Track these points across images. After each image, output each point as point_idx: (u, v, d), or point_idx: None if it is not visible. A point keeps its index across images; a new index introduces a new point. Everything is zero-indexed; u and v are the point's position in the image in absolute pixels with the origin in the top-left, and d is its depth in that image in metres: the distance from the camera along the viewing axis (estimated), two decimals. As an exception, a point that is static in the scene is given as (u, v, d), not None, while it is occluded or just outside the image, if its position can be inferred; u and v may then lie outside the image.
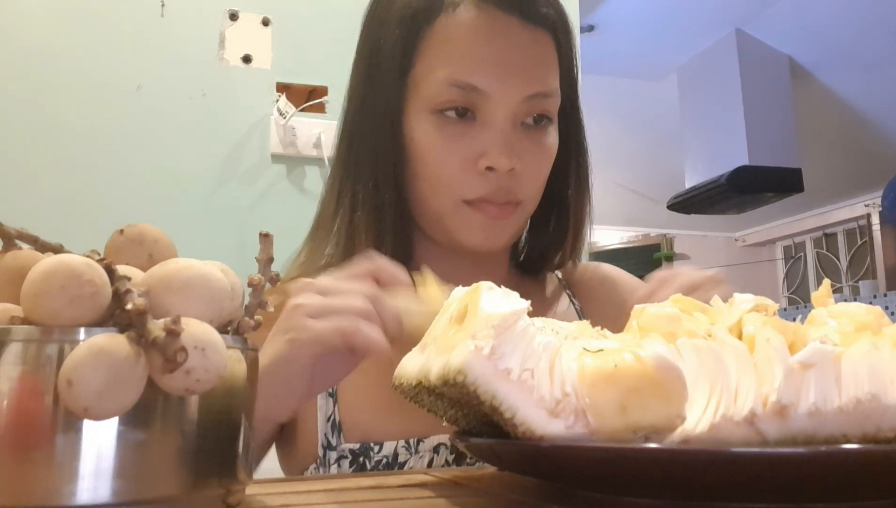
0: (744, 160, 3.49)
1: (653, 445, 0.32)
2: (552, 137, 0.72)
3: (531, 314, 0.40)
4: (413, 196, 0.71)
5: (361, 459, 0.65)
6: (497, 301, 0.37)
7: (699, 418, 0.33)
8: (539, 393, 0.34)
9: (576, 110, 0.78)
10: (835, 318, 0.38)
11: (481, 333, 0.35)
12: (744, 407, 0.32)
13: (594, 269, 0.84)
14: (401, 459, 0.65)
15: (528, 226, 0.79)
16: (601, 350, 0.35)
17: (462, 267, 0.74)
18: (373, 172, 0.71)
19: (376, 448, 0.65)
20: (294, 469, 0.71)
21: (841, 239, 5.00)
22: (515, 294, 0.39)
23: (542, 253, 0.80)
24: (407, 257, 0.73)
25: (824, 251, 5.14)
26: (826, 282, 0.43)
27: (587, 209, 0.79)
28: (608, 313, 0.79)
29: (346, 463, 0.65)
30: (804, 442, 0.32)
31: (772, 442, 0.32)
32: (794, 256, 5.42)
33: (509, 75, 0.67)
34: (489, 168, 0.67)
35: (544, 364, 0.35)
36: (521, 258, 0.82)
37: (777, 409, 0.32)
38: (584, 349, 0.36)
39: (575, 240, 0.78)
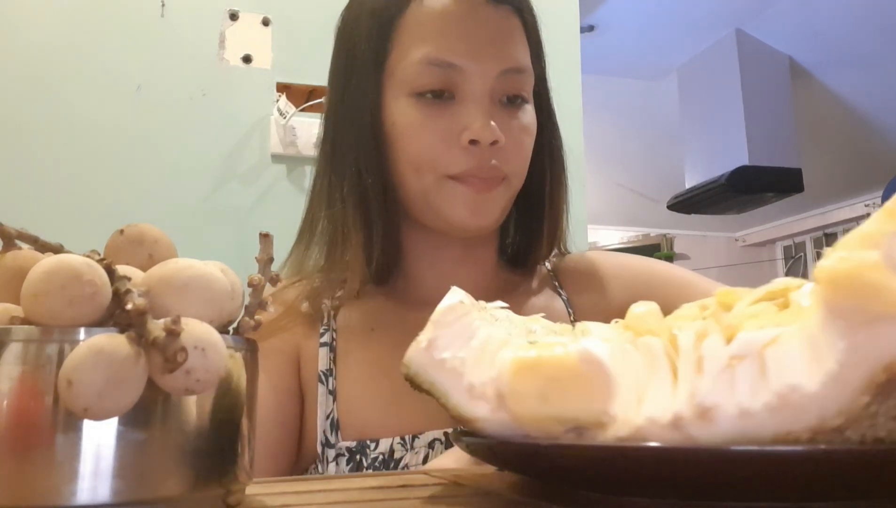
0: (744, 160, 3.49)
1: (654, 444, 0.32)
2: (530, 115, 0.73)
3: (514, 308, 0.43)
4: (398, 182, 0.71)
5: (358, 457, 0.65)
6: (445, 300, 0.40)
7: (629, 418, 0.32)
8: (468, 379, 0.37)
9: (546, 94, 0.78)
10: (810, 294, 0.34)
11: (426, 329, 0.39)
12: (670, 410, 0.31)
13: (579, 259, 0.83)
14: (396, 455, 0.65)
15: (513, 215, 0.78)
16: (535, 342, 0.36)
17: (451, 256, 0.75)
18: (355, 162, 0.71)
19: (372, 446, 0.66)
20: (296, 468, 0.71)
21: (841, 239, 5.00)
22: (461, 292, 0.41)
23: (526, 245, 0.79)
24: (396, 248, 0.74)
25: (824, 251, 5.14)
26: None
27: (563, 196, 0.79)
28: (595, 304, 0.78)
29: (343, 461, 0.66)
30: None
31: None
32: (794, 256, 5.42)
33: (483, 51, 0.69)
34: (472, 142, 0.67)
35: (475, 353, 0.37)
36: (509, 252, 0.82)
37: (700, 411, 0.30)
38: (528, 341, 0.37)
39: (553, 229, 0.78)
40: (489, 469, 0.49)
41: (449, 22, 0.69)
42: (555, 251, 0.81)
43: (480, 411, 0.36)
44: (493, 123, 0.68)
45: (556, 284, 0.81)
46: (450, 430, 0.64)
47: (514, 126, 0.70)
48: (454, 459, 0.55)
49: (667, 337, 0.34)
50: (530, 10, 0.75)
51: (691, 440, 0.30)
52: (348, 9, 0.76)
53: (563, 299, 0.79)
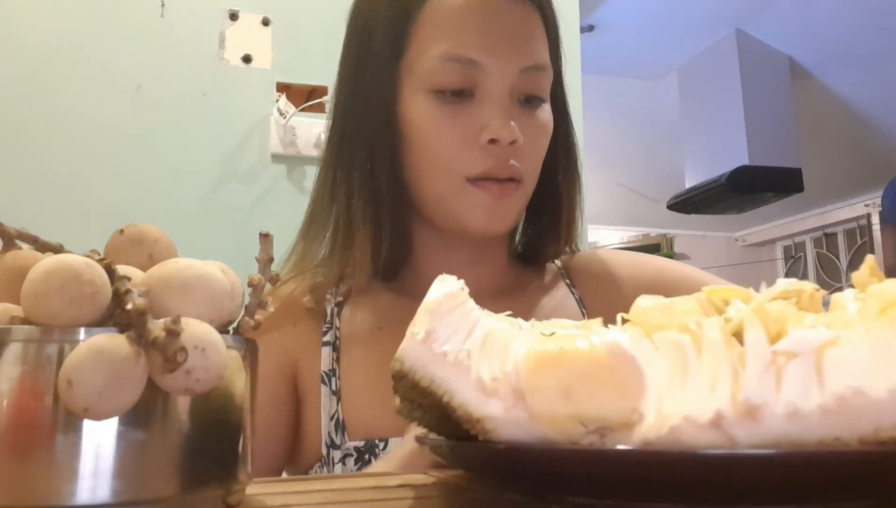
0: (744, 160, 3.49)
1: (623, 447, 0.29)
2: (547, 114, 0.72)
3: (526, 306, 0.39)
4: (413, 180, 0.70)
5: (367, 457, 0.65)
6: (439, 289, 0.36)
7: (662, 418, 0.29)
8: (477, 374, 0.32)
9: (561, 91, 0.77)
10: (866, 299, 0.32)
11: (419, 320, 0.34)
12: (710, 408, 0.28)
13: (591, 257, 0.83)
14: None
15: (524, 215, 0.78)
16: (553, 334, 0.33)
17: (462, 256, 0.74)
18: (368, 158, 0.70)
19: (381, 445, 0.65)
20: (297, 468, 0.71)
21: (841, 239, 5.00)
22: (452, 278, 0.37)
23: (538, 241, 0.79)
24: (406, 245, 0.73)
25: (824, 251, 5.14)
26: (869, 258, 0.36)
27: (577, 193, 0.78)
28: (609, 303, 0.77)
29: (350, 461, 0.65)
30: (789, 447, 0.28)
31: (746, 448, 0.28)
32: (794, 256, 5.42)
33: (505, 48, 0.67)
34: (492, 141, 0.66)
35: (486, 344, 0.33)
36: (520, 249, 0.81)
37: (746, 410, 0.27)
38: (541, 333, 0.33)
39: (569, 225, 0.77)
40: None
41: (470, 17, 0.67)
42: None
43: (492, 409, 0.31)
44: (512, 122, 0.67)
45: (569, 282, 0.80)
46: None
47: (533, 126, 0.69)
48: (387, 464, 0.55)
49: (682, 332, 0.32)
50: (550, 5, 0.74)
51: (731, 441, 0.28)
52: (362, 2, 0.75)
53: (575, 298, 0.78)
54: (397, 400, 0.38)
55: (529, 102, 0.70)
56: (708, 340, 0.31)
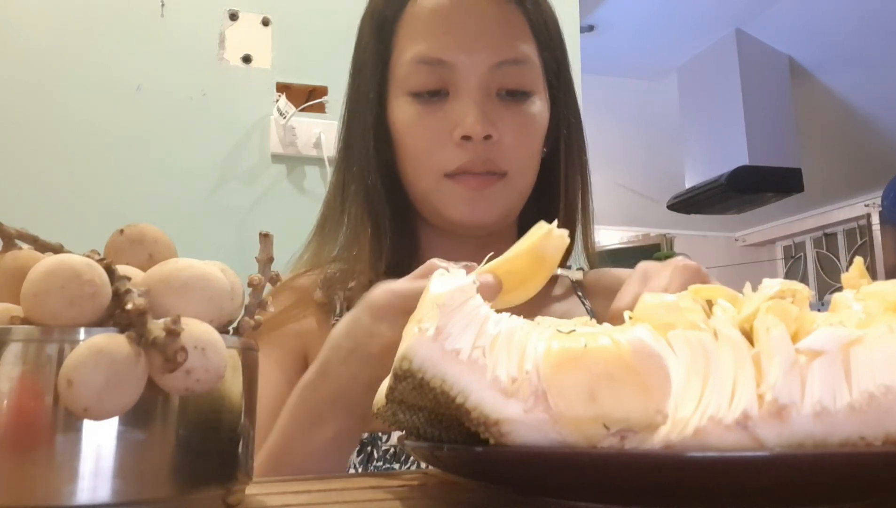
0: (744, 160, 3.49)
1: (594, 451, 0.28)
2: (535, 108, 0.71)
3: (533, 309, 0.38)
4: (404, 181, 0.73)
5: (369, 448, 0.66)
6: (445, 282, 0.34)
7: (684, 419, 0.29)
8: (493, 373, 0.30)
9: (563, 83, 0.76)
10: (864, 300, 0.33)
11: (427, 315, 0.32)
12: (736, 408, 0.28)
13: (604, 272, 0.82)
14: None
15: (532, 211, 0.76)
16: (573, 331, 0.32)
17: (465, 254, 0.74)
18: (359, 161, 0.73)
19: (384, 438, 0.66)
20: None
21: (841, 239, 5.00)
22: (463, 272, 0.36)
23: None
24: (412, 243, 0.75)
25: (824, 251, 5.14)
26: (858, 261, 0.37)
27: (582, 187, 0.77)
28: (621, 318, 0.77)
29: (353, 452, 0.66)
30: (812, 449, 0.27)
31: (773, 449, 0.27)
32: (794, 256, 5.42)
33: (474, 45, 0.69)
34: (465, 137, 0.67)
35: (501, 341, 0.31)
36: None
37: (774, 410, 0.27)
38: (558, 330, 0.32)
39: (569, 223, 0.75)
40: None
41: (439, 19, 0.70)
42: (577, 264, 0.80)
43: (511, 410, 0.30)
44: (487, 117, 0.67)
45: (580, 293, 0.80)
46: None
47: (513, 121, 0.69)
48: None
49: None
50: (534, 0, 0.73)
51: (757, 442, 0.27)
52: (368, 4, 0.78)
53: (587, 308, 0.78)
54: (382, 402, 0.36)
55: (512, 95, 0.70)
56: (726, 337, 0.30)
